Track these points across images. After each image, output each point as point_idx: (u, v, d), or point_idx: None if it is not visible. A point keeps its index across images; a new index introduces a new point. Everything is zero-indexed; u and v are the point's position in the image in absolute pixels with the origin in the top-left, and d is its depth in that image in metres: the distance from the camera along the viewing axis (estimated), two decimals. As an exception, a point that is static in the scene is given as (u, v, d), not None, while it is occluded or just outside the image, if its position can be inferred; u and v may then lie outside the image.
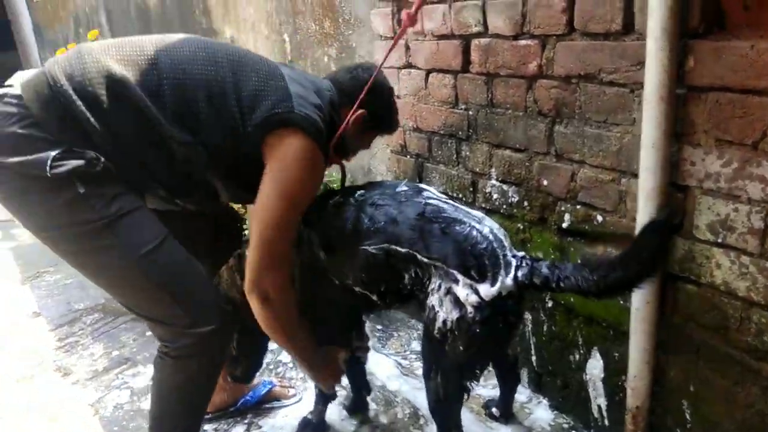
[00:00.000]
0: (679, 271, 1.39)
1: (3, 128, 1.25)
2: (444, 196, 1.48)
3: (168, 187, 1.40)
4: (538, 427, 1.84)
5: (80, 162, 1.24)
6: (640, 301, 1.43)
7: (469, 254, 1.30)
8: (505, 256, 1.32)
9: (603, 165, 1.51)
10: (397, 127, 1.67)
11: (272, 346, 2.43)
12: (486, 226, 1.36)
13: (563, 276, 1.24)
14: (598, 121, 1.49)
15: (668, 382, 1.49)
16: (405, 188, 1.46)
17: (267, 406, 2.05)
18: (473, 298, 1.29)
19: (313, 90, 1.44)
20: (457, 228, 1.34)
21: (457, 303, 1.31)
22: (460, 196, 2.00)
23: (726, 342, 1.34)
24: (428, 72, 2.01)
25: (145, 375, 2.28)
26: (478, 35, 1.76)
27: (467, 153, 1.93)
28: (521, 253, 1.34)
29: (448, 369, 1.41)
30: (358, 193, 1.49)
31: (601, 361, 1.68)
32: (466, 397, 1.45)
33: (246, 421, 2.01)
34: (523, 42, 1.62)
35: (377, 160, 2.50)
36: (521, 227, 1.81)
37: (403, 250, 1.36)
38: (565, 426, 1.83)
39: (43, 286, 3.23)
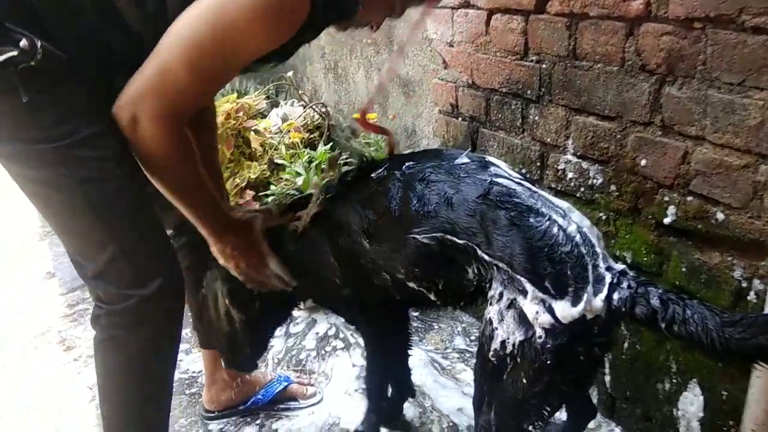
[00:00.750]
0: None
1: None
2: (518, 175, 1.12)
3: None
4: (609, 462, 1.49)
5: (12, 52, 0.92)
6: None
7: (545, 258, 0.98)
8: (596, 266, 0.98)
9: (732, 144, 1.10)
10: None
11: (294, 329, 2.15)
12: (573, 223, 1.01)
13: (682, 317, 0.89)
14: (732, 83, 1.08)
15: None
16: (466, 160, 1.14)
17: (282, 406, 1.77)
18: (545, 318, 0.97)
19: None
20: (532, 220, 1.01)
21: (523, 321, 1.00)
22: (524, 172, 1.62)
23: None
24: (490, 12, 1.61)
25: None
26: (562, -38, 1.34)
27: (536, 118, 1.54)
28: (621, 266, 0.99)
29: (505, 405, 1.09)
30: (407, 164, 1.17)
31: (701, 397, 1.30)
32: None
33: (257, 423, 1.74)
34: (626, -30, 1.20)
35: (423, 120, 2.12)
36: (604, 217, 1.42)
37: (461, 241, 1.06)
38: (643, 465, 1.48)
39: (61, 243, 3.03)
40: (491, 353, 1.06)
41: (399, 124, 2.28)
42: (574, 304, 0.95)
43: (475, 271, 1.09)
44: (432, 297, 1.19)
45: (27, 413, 1.86)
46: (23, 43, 0.93)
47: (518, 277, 0.99)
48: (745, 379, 1.18)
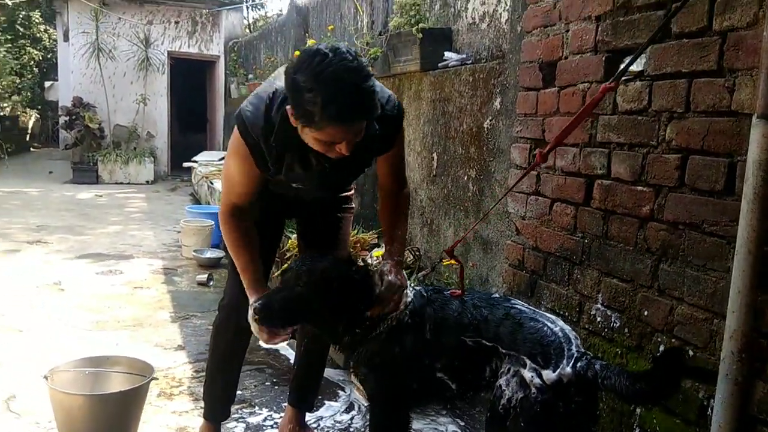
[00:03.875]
0: (757, 412, 1.50)
1: None
2: (527, 305, 1.75)
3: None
4: None
5: None
6: (719, 435, 1.54)
7: (537, 344, 1.56)
8: (569, 349, 1.56)
9: (699, 304, 1.68)
10: (328, 118, 1.44)
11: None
12: (558, 326, 1.63)
13: (608, 376, 1.48)
14: (698, 265, 1.69)
15: None
16: (497, 296, 1.81)
17: None
18: (537, 381, 1.52)
19: (270, 93, 1.68)
20: (531, 323, 1.62)
21: (523, 384, 1.54)
22: (566, 314, 2.22)
23: (799, 490, 1.41)
24: (553, 201, 2.31)
25: (260, 415, 2.62)
26: (602, 177, 2.05)
27: (578, 276, 2.17)
28: (583, 350, 1.57)
29: None
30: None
31: (679, 493, 1.75)
32: None
33: None
34: (639, 188, 1.89)
35: (495, 272, 2.78)
36: (619, 352, 1.98)
37: (489, 344, 1.64)
38: None
39: (190, 327, 3.75)
40: (500, 407, 1.56)
41: (476, 273, 2.95)
42: (554, 370, 1.51)
43: (492, 367, 1.64)
44: (453, 385, 1.72)
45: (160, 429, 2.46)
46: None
47: (521, 356, 1.56)
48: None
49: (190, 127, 13.12)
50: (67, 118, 10.38)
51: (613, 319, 2.01)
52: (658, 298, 1.83)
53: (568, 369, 1.51)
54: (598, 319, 2.07)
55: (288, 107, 1.53)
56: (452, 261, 2.78)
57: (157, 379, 2.84)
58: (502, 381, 1.59)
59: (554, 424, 1.56)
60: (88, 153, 10.52)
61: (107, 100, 10.79)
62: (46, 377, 2.17)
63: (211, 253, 5.27)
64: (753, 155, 1.43)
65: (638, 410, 1.88)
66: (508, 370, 1.59)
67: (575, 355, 1.54)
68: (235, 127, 1.73)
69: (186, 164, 9.48)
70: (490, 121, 2.86)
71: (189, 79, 12.50)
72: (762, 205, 1.43)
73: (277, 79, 1.67)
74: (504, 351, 1.62)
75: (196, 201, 8.52)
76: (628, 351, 1.95)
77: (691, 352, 1.71)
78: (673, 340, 1.77)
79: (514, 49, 2.64)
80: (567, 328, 1.64)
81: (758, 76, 1.43)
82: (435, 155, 3.42)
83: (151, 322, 3.81)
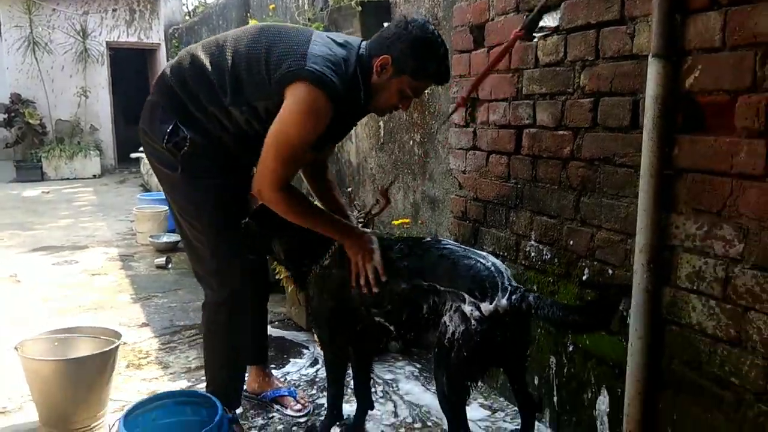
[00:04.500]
0: (666, 314, 1.74)
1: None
2: (457, 244, 1.93)
3: (238, 135, 1.93)
4: (553, 458, 2.12)
5: (185, 146, 1.91)
6: (633, 338, 1.78)
7: (473, 280, 1.71)
8: (503, 283, 1.72)
9: (614, 228, 1.91)
10: (433, 75, 1.82)
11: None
12: (489, 261, 1.79)
13: (541, 306, 1.65)
14: (612, 194, 1.91)
15: (655, 413, 1.79)
16: (429, 239, 1.98)
17: (277, 407, 2.46)
18: (476, 314, 1.67)
19: (341, 49, 1.80)
20: (465, 261, 1.77)
21: (463, 317, 1.69)
22: (505, 254, 2.43)
23: (699, 374, 1.66)
24: (489, 153, 2.51)
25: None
26: (529, 126, 2.26)
27: (514, 218, 2.38)
28: (516, 284, 1.75)
29: (452, 372, 1.77)
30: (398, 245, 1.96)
31: (607, 398, 1.99)
32: (469, 393, 1.82)
33: (260, 409, 2.46)
34: (560, 132, 2.10)
35: (443, 227, 2.98)
36: (551, 280, 2.20)
37: (426, 284, 1.79)
38: (576, 458, 2.11)
39: (152, 306, 3.84)
40: (446, 341, 1.71)
41: (425, 229, 3.14)
42: (491, 303, 1.67)
43: (430, 304, 1.77)
44: (392, 328, 1.89)
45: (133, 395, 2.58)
46: (188, 136, 1.88)
47: (461, 292, 1.70)
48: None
49: (136, 118, 12.84)
50: (5, 116, 10.07)
51: (544, 252, 2.23)
52: (580, 228, 2.05)
53: (504, 301, 1.67)
54: (532, 254, 2.29)
55: (381, 60, 1.76)
56: (404, 220, 2.96)
57: (126, 343, 2.94)
58: (445, 317, 1.73)
59: (493, 352, 1.76)
60: (30, 150, 10.26)
61: (47, 94, 10.51)
62: (16, 348, 2.25)
63: (168, 238, 5.31)
64: (650, 91, 1.65)
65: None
66: (450, 306, 1.72)
67: (509, 288, 1.70)
68: (308, 89, 1.71)
69: (134, 155, 9.32)
70: (430, 85, 3.04)
71: (130, 69, 12.26)
72: (659, 134, 1.65)
73: (313, 45, 1.78)
74: (443, 289, 1.75)
75: (147, 191, 8.46)
76: (559, 279, 2.17)
77: (610, 271, 1.94)
78: (595, 263, 2.00)
79: (447, 16, 2.81)
80: (498, 262, 1.82)
81: (652, 20, 1.64)
82: (381, 123, 3.58)
83: (112, 304, 3.87)
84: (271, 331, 3.27)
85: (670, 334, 1.74)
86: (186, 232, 2.06)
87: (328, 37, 1.84)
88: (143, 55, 12.09)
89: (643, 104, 1.75)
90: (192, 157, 1.91)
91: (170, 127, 1.88)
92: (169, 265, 4.74)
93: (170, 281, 4.37)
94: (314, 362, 2.92)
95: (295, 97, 1.72)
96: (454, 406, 1.85)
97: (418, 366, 2.82)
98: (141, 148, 2.20)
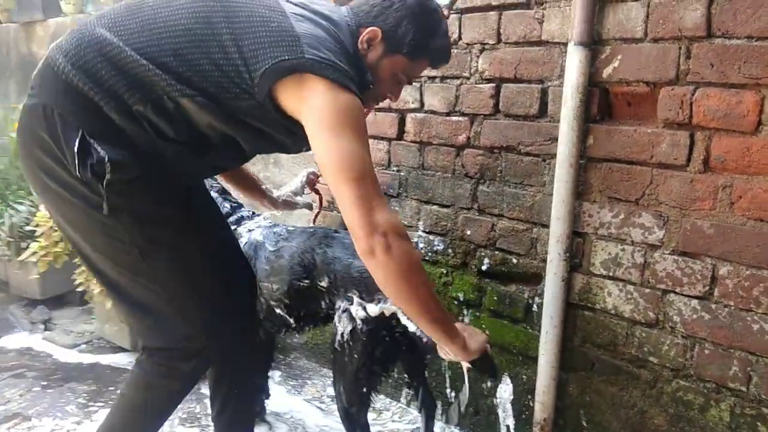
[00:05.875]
0: (578, 300, 1.78)
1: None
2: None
3: (189, 145, 1.31)
4: (454, 453, 2.08)
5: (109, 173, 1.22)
6: (548, 326, 1.79)
7: (362, 281, 1.62)
8: None
9: (519, 218, 1.89)
10: (435, 53, 1.48)
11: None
12: None
13: None
14: (516, 183, 1.88)
15: (568, 396, 1.84)
16: (311, 230, 1.87)
17: None
18: (362, 314, 1.62)
19: (325, 22, 1.31)
20: (358, 262, 1.57)
21: (351, 319, 1.64)
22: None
23: (615, 356, 1.72)
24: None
25: (43, 428, 2.14)
26: (414, 110, 2.13)
27: (397, 208, 2.24)
28: None
29: (347, 375, 1.69)
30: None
31: (511, 385, 1.99)
32: (368, 403, 1.72)
33: None
34: (454, 118, 2.01)
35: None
36: (444, 272, 2.12)
37: (323, 284, 1.70)
38: (477, 449, 2.09)
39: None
40: (336, 344, 1.66)
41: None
42: (376, 304, 1.59)
43: (327, 301, 1.72)
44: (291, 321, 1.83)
45: None
46: (107, 158, 1.21)
47: (349, 293, 1.63)
48: (534, 365, 1.90)
49: None
50: None
51: (435, 243, 2.14)
52: (479, 217, 2.00)
53: (389, 303, 1.57)
54: (421, 245, 2.19)
55: (369, 33, 1.38)
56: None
57: None
58: (336, 319, 1.68)
59: (379, 351, 1.67)
60: None
61: None
62: None
63: None
64: (570, 79, 1.63)
65: (467, 316, 2.07)
66: (340, 307, 1.68)
67: None
68: (325, 84, 1.21)
69: None
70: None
71: None
72: (580, 124, 1.64)
73: (296, 20, 1.26)
74: (335, 290, 1.69)
75: None
76: (453, 270, 2.11)
77: (514, 260, 1.92)
78: (496, 253, 1.97)
79: None
80: None
81: (573, 7, 1.61)
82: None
83: None
84: (80, 357, 2.73)
85: (582, 320, 1.78)
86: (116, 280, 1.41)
87: (295, 12, 1.29)
88: None
89: (554, 93, 1.73)
90: (122, 189, 1.26)
91: (76, 144, 1.22)
92: None
93: None
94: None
95: (320, 100, 1.21)
96: (354, 416, 1.73)
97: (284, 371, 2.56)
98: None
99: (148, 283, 1.36)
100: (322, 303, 1.75)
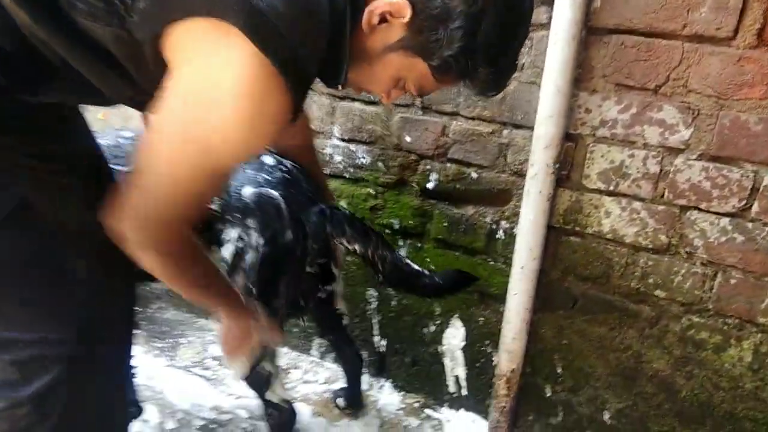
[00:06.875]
0: (562, 223, 1.37)
1: None
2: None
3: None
4: (388, 413, 1.66)
5: None
6: (525, 259, 1.37)
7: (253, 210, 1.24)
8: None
9: (482, 116, 1.40)
10: (483, 76, 0.85)
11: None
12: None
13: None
14: (479, 68, 1.38)
15: (540, 340, 1.48)
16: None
17: None
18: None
19: None
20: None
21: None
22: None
23: (607, 290, 1.37)
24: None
25: None
26: None
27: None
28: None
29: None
30: None
31: (462, 329, 1.59)
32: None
33: None
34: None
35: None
36: (373, 192, 1.60)
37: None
38: (417, 405, 1.70)
39: None
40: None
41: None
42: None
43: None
44: None
45: None
46: None
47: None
48: (495, 304, 1.51)
49: None
50: None
51: (359, 155, 1.60)
52: (423, 117, 1.48)
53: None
54: (337, 158, 1.63)
55: (388, 5, 0.79)
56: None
57: None
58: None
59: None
60: None
61: None
62: None
63: None
64: None
65: (404, 248, 1.60)
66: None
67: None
68: (244, 48, 0.71)
69: None
70: None
71: None
72: None
73: None
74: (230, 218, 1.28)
75: None
76: (385, 189, 1.59)
77: (474, 174, 1.45)
78: (448, 165, 1.48)
79: None
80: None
81: None
82: None
83: None
84: None
85: (566, 248, 1.39)
86: None
87: None
88: None
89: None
90: None
91: None
92: None
93: None
94: None
95: (216, 60, 0.73)
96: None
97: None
98: None
99: None
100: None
